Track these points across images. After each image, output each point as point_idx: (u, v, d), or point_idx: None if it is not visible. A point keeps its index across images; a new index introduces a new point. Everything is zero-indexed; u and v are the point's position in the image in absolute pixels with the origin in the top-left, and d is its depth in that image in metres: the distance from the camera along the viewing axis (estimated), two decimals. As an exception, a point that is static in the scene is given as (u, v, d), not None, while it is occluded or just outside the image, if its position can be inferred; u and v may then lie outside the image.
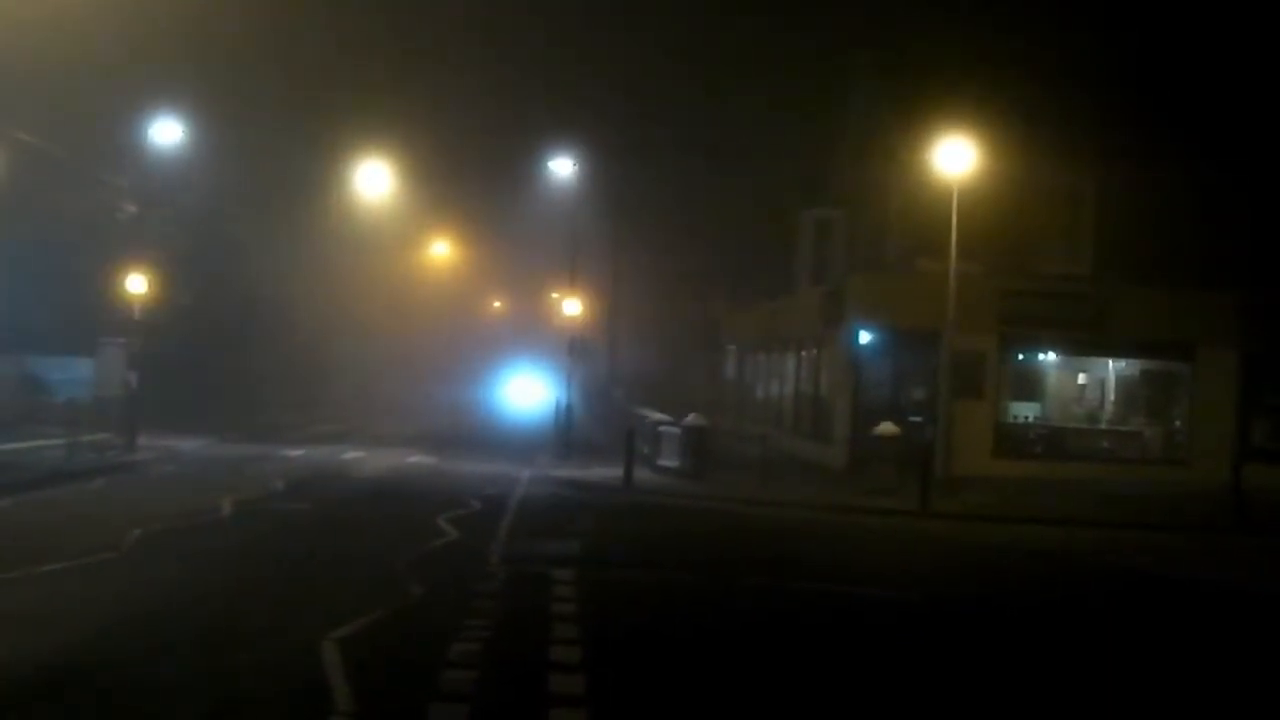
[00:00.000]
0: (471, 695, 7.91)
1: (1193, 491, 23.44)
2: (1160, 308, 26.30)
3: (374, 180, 35.09)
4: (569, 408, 32.08)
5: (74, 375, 30.48)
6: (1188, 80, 25.97)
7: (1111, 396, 28.10)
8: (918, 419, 25.43)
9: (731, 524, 19.13)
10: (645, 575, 13.59)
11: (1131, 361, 27.80)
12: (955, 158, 23.21)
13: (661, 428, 26.67)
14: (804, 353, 31.95)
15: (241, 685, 8.11)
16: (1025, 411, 27.48)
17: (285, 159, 41.14)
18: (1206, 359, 26.69)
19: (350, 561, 13.31)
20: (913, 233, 26.57)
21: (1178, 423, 27.56)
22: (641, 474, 24.36)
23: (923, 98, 24.96)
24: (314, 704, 7.61)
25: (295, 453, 27.91)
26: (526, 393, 58.83)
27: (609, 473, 24.64)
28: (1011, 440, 26.79)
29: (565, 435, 30.48)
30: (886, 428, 23.53)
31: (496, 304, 79.40)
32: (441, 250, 62.71)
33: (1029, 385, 27.72)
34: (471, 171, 52.72)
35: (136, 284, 26.23)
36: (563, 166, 32.75)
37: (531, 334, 64.96)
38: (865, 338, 27.05)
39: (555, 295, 46.78)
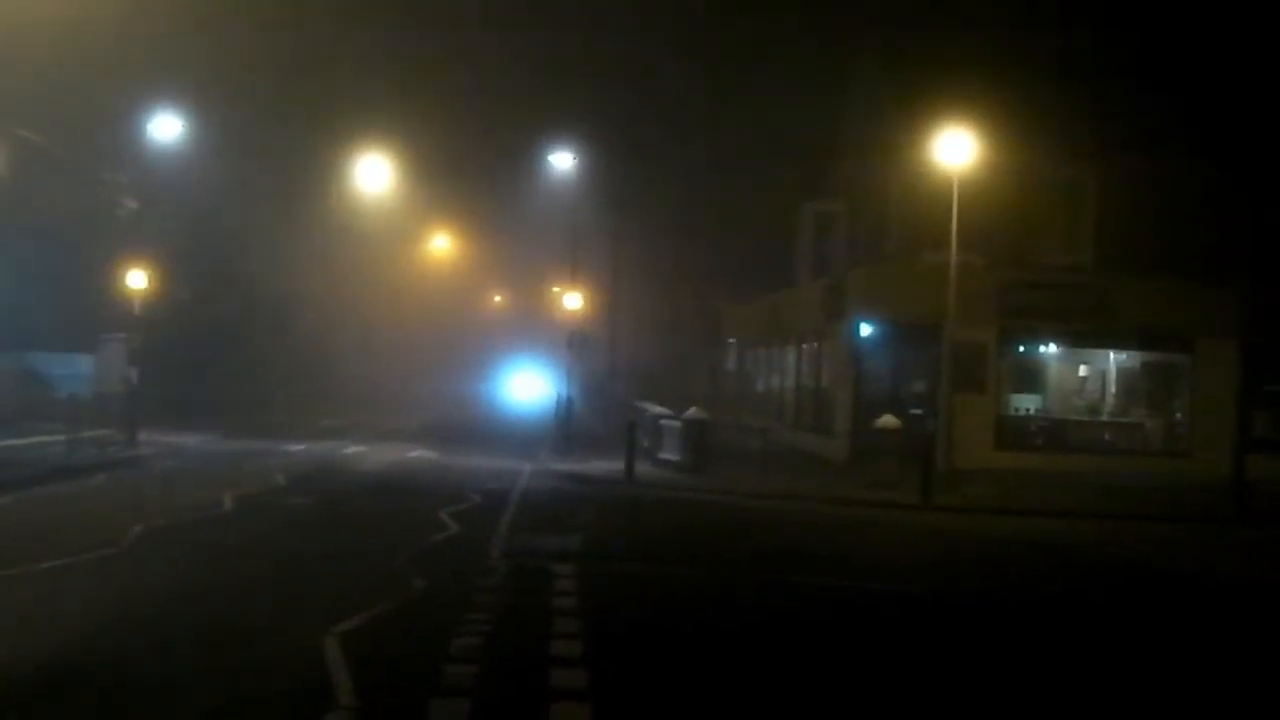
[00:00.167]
0: (473, 690, 7.90)
1: (1194, 483, 23.48)
2: (1160, 299, 26.35)
3: (375, 174, 35.04)
4: (570, 402, 32.10)
5: (75, 371, 30.56)
6: (1188, 72, 25.96)
7: (1112, 388, 28.10)
8: (919, 411, 25.47)
9: (733, 517, 19.11)
10: (646, 569, 13.58)
11: (1132, 353, 27.83)
12: (956, 150, 23.17)
13: (662, 421, 26.70)
14: (805, 346, 31.95)
15: (243, 681, 8.10)
16: (1026, 404, 27.50)
17: (285, 154, 41.13)
18: (1207, 350, 26.70)
19: (352, 556, 13.31)
20: (913, 226, 26.57)
21: (1178, 414, 27.60)
22: (642, 467, 24.42)
23: (923, 90, 24.95)
24: (316, 699, 7.60)
25: (296, 447, 27.91)
26: (527, 387, 58.91)
27: (610, 466, 24.67)
28: (1012, 432, 26.80)
29: (566, 429, 30.50)
30: (888, 420, 23.55)
31: (497, 298, 79.32)
32: (442, 245, 62.61)
33: (1030, 377, 27.74)
34: (472, 166, 52.83)
35: (137, 280, 26.22)
36: (563, 161, 32.75)
37: (532, 328, 64.93)
38: (866, 330, 27.05)
39: (556, 289, 46.77)
